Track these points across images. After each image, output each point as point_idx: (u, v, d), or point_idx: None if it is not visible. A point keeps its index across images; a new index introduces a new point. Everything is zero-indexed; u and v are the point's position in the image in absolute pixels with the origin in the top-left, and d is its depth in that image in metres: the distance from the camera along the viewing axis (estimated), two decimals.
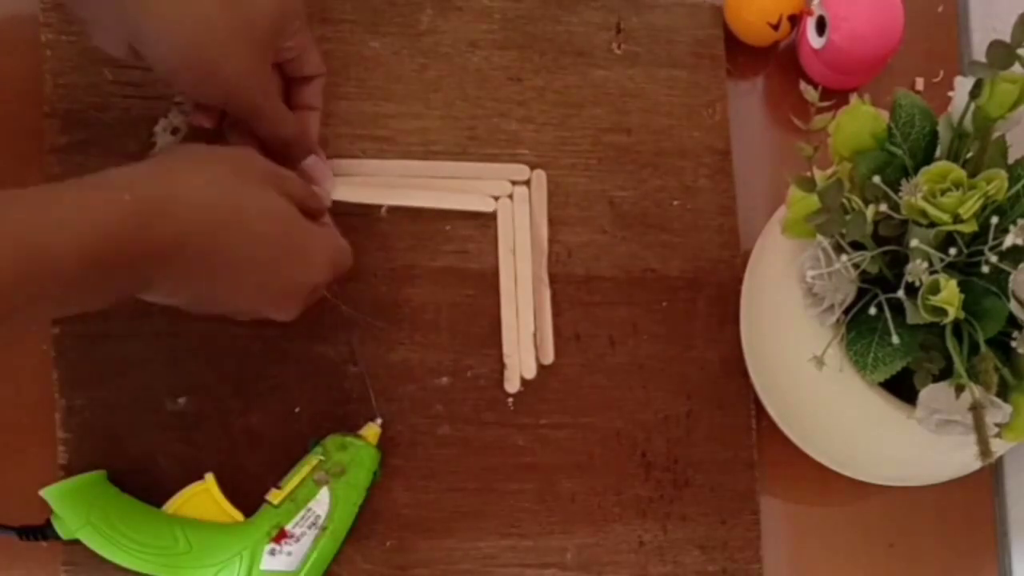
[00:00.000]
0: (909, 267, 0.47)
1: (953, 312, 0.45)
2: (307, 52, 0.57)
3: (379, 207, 0.62)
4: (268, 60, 0.54)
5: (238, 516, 0.56)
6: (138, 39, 0.50)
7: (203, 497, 0.55)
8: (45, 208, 0.42)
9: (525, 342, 0.62)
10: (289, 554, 0.55)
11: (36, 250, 0.41)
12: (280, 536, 0.55)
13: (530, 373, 0.61)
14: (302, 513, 0.56)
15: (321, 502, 0.56)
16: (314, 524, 0.56)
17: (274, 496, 0.56)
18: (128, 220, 0.44)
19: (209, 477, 0.56)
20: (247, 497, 0.57)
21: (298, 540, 0.55)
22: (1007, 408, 0.47)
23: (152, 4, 0.48)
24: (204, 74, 0.51)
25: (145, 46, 0.50)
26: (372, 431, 0.59)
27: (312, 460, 0.57)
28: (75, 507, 0.53)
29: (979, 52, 0.63)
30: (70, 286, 0.43)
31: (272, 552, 0.55)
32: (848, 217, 0.48)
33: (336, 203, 0.60)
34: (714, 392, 0.64)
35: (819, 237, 0.49)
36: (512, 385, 0.61)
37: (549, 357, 0.62)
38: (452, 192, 0.63)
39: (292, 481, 0.56)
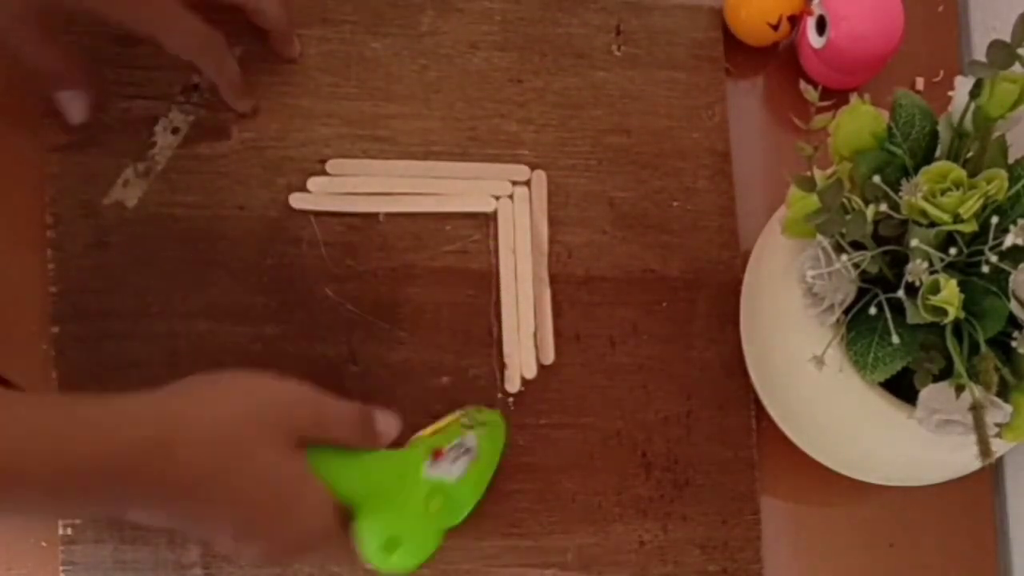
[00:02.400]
0: (909, 267, 0.47)
1: (953, 312, 0.45)
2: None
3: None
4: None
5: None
6: None
7: None
8: (53, 422, 0.42)
9: (525, 342, 0.62)
10: (447, 471, 0.54)
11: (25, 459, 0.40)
12: (437, 455, 0.54)
13: (530, 373, 0.62)
14: (455, 443, 0.55)
15: (470, 440, 0.55)
16: (467, 453, 0.55)
17: (425, 431, 0.56)
18: (122, 457, 0.42)
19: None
20: None
21: (453, 461, 0.54)
22: (1007, 408, 0.47)
23: None
24: None
25: None
26: (498, 412, 0.60)
27: (455, 413, 0.57)
28: None
29: (979, 52, 0.63)
30: (45, 497, 0.42)
31: (431, 464, 0.53)
32: (848, 217, 0.48)
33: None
34: (714, 392, 0.64)
35: (819, 237, 0.49)
36: (512, 385, 0.61)
37: (549, 357, 0.62)
38: (451, 195, 0.63)
39: (440, 423, 0.56)
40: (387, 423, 0.53)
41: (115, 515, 0.47)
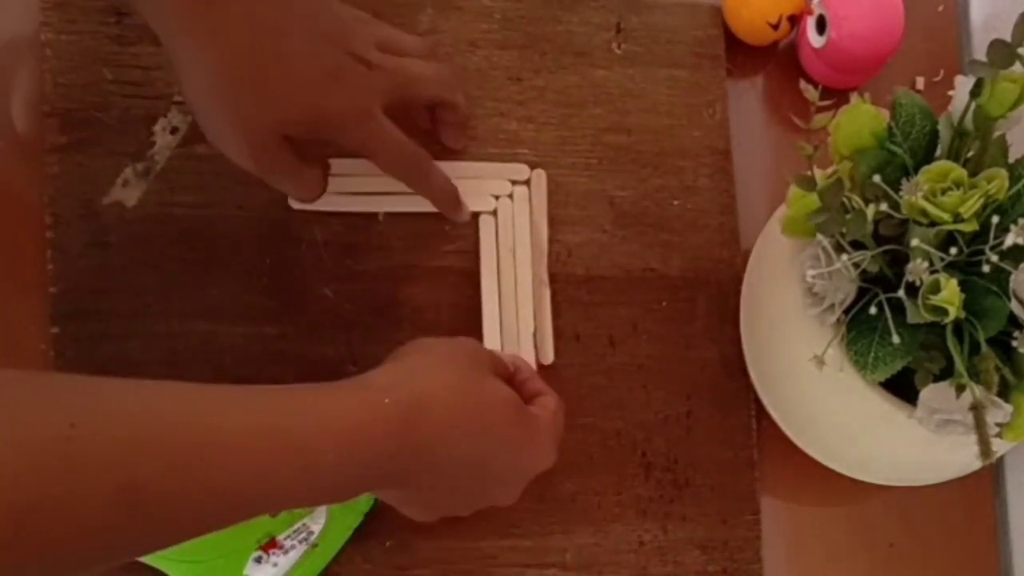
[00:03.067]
0: (909, 267, 0.46)
1: (953, 312, 0.45)
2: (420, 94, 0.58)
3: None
4: (276, 144, 0.53)
5: None
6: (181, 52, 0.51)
7: None
8: (307, 412, 0.44)
9: (525, 342, 0.62)
10: (275, 565, 0.54)
11: (299, 449, 0.43)
12: (270, 545, 0.54)
13: None
14: (296, 526, 0.55)
15: (317, 518, 0.55)
16: (306, 539, 0.55)
17: None
18: (387, 422, 0.46)
19: None
20: None
21: (287, 552, 0.54)
22: (1007, 408, 0.47)
23: (185, 71, 0.50)
24: (220, 119, 0.52)
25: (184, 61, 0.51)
26: None
27: None
28: None
29: (979, 52, 0.63)
30: (323, 482, 0.44)
31: (258, 560, 0.54)
32: (848, 216, 0.48)
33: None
34: (714, 392, 0.64)
35: (819, 236, 0.49)
36: None
37: (549, 357, 0.62)
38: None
39: None
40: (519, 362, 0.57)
41: (376, 490, 0.50)
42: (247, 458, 0.41)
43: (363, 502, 0.57)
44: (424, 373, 0.49)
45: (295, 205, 0.60)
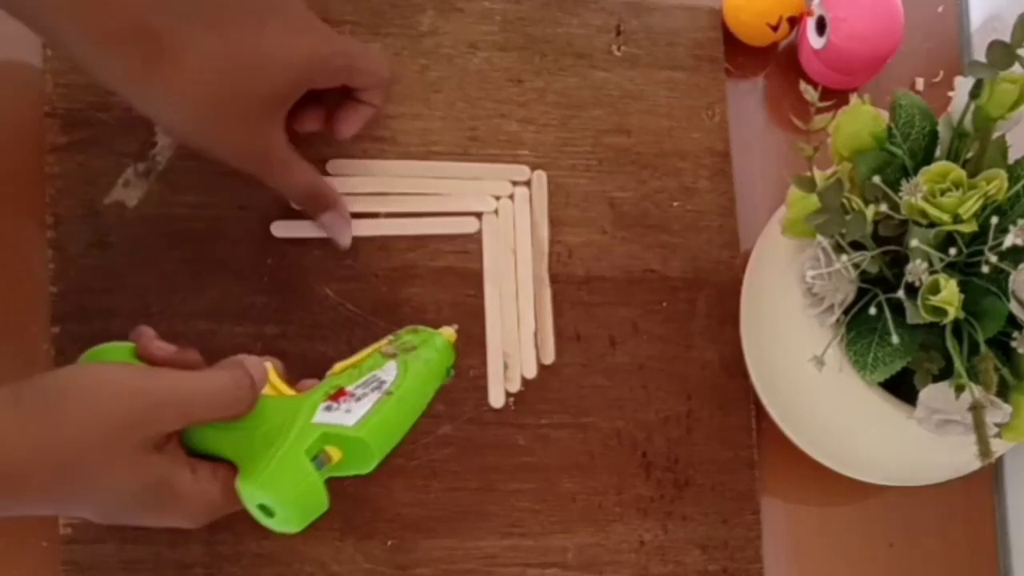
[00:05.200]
0: (909, 267, 0.47)
1: (953, 312, 0.45)
2: (356, 74, 0.57)
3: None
4: (274, 128, 0.54)
5: (291, 393, 0.51)
6: (135, 91, 0.51)
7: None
8: None
9: (526, 342, 0.62)
10: (347, 411, 0.47)
11: None
12: (338, 395, 0.49)
13: (530, 373, 0.62)
14: (366, 378, 0.49)
15: (388, 370, 0.49)
16: (378, 388, 0.49)
17: (336, 367, 0.52)
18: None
19: (269, 364, 0.52)
20: None
21: (358, 400, 0.48)
22: (1007, 408, 0.47)
23: (155, 86, 0.49)
24: (207, 149, 0.54)
25: (143, 100, 0.51)
26: (448, 331, 0.56)
27: (381, 341, 0.54)
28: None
29: (979, 52, 0.63)
30: None
31: (327, 408, 0.48)
32: (848, 217, 0.48)
33: None
34: (714, 392, 0.64)
35: (819, 237, 0.49)
36: (512, 385, 0.61)
37: (550, 357, 0.62)
38: (451, 195, 0.63)
39: (357, 356, 0.52)
40: (257, 370, 0.50)
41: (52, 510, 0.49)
42: None
43: (435, 359, 0.52)
44: (35, 435, 0.43)
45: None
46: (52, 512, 0.49)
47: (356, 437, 0.47)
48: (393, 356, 0.51)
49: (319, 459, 0.47)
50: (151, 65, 0.48)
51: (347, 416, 0.47)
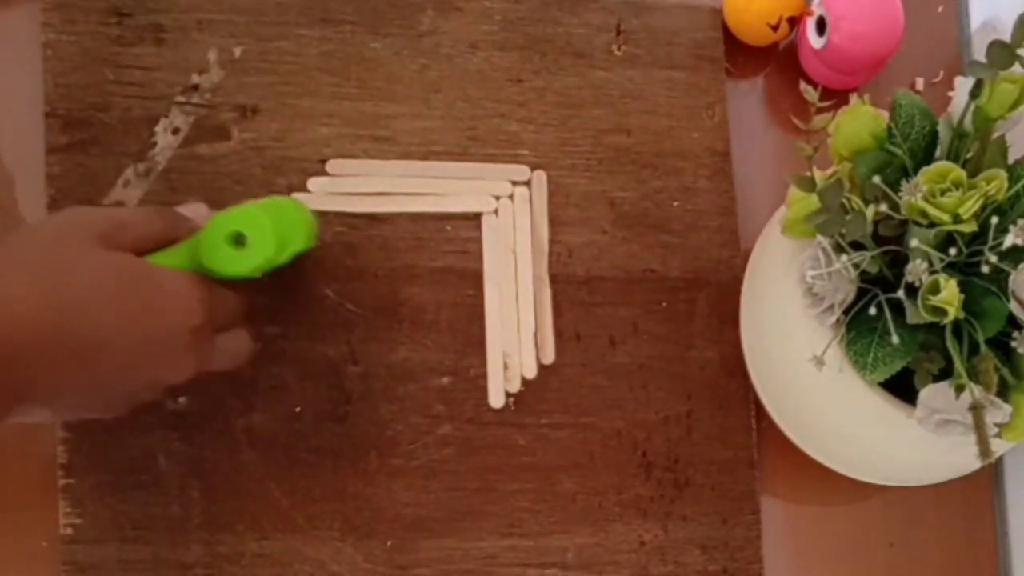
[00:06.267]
0: (909, 267, 0.47)
1: (953, 312, 0.45)
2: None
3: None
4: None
5: None
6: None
7: None
8: None
9: (526, 342, 0.62)
10: None
11: None
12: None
13: (530, 373, 0.62)
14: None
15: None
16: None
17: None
18: None
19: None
20: (249, 496, 0.57)
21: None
22: (1007, 408, 0.47)
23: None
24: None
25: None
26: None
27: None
28: None
29: (979, 52, 0.63)
30: None
31: None
32: (848, 217, 0.48)
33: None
34: (714, 392, 0.64)
35: (819, 237, 0.49)
36: (512, 385, 0.62)
37: (550, 357, 0.62)
38: (451, 195, 0.63)
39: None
40: (194, 208, 0.53)
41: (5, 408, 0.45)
42: None
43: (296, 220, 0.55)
44: None
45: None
46: (58, 380, 0.46)
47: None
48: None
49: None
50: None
51: None
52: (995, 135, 0.49)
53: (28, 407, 0.46)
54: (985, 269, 0.47)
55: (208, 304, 0.49)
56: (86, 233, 0.47)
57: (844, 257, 0.48)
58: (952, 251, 0.47)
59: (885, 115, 0.51)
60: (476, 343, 0.62)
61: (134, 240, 0.48)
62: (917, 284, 0.47)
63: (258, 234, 0.50)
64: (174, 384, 0.50)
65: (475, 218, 0.63)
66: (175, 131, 0.60)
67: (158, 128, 0.60)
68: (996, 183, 0.47)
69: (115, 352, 0.46)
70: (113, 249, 0.47)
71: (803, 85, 0.48)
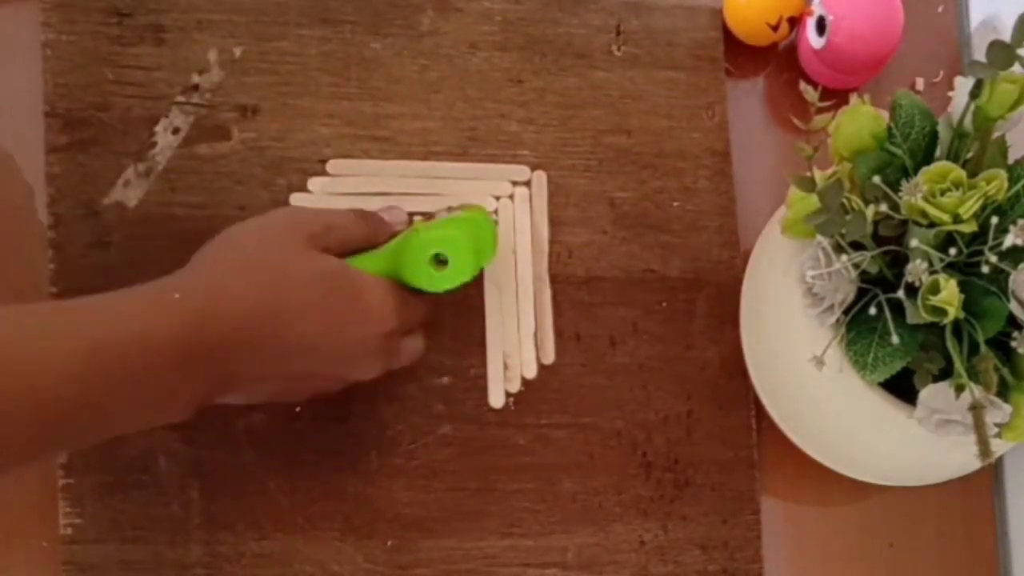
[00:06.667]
0: (909, 267, 0.47)
1: (953, 312, 0.45)
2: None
3: None
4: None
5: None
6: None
7: None
8: (104, 310, 0.44)
9: (526, 342, 0.62)
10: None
11: (101, 344, 0.43)
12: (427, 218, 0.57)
13: (530, 373, 0.62)
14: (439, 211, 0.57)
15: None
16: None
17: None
18: (171, 322, 0.45)
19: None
20: (249, 496, 0.57)
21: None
22: (1007, 408, 0.47)
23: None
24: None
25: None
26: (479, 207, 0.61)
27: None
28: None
29: (979, 52, 0.63)
30: (142, 381, 0.44)
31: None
32: (848, 217, 0.48)
33: None
34: (714, 392, 0.64)
35: (819, 237, 0.49)
36: (512, 385, 0.62)
37: (550, 357, 0.62)
38: (451, 195, 0.63)
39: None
40: (391, 212, 0.57)
41: (210, 393, 0.48)
42: (20, 369, 0.40)
43: (489, 231, 0.58)
44: (221, 266, 0.48)
45: (296, 204, 0.60)
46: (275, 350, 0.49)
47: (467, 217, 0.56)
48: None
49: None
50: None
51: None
52: (995, 135, 0.49)
53: (227, 395, 0.50)
54: (985, 269, 0.47)
55: (400, 312, 0.52)
56: (299, 234, 0.51)
57: (844, 257, 0.48)
58: (952, 251, 0.47)
59: (885, 115, 0.51)
60: (476, 343, 0.62)
61: (339, 242, 0.52)
62: (917, 284, 0.47)
63: (459, 258, 0.54)
64: (360, 381, 0.53)
65: None
66: (175, 131, 0.60)
67: (158, 128, 0.60)
68: (996, 183, 0.47)
69: (316, 355, 0.50)
70: (320, 250, 0.51)
71: (803, 85, 0.48)
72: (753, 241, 0.63)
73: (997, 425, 0.47)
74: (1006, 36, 0.46)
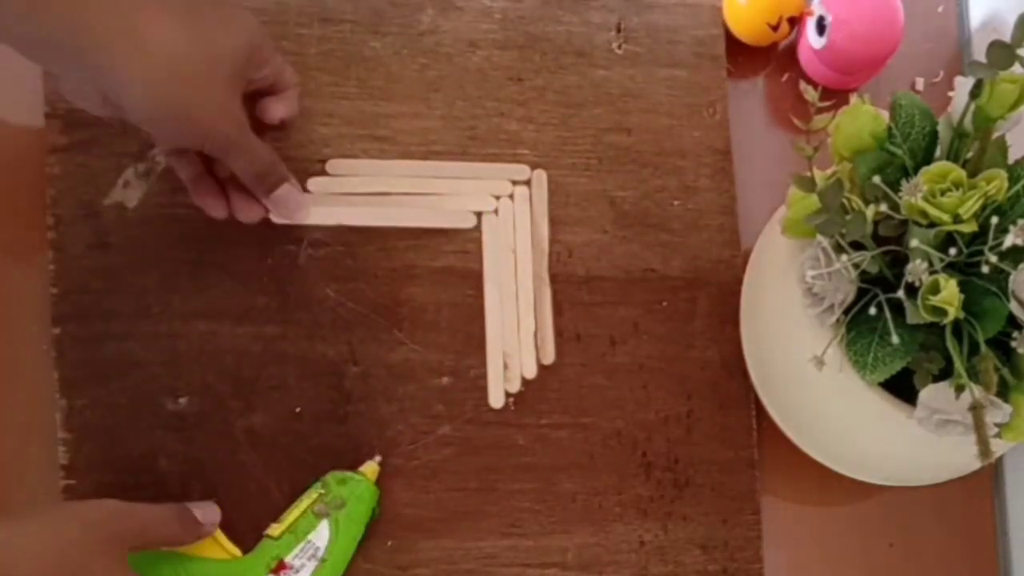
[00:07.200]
0: (909, 267, 0.46)
1: (953, 312, 0.45)
2: (280, 74, 0.56)
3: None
4: (239, 93, 0.52)
5: (236, 553, 0.56)
6: (110, 90, 0.49)
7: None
8: None
9: (526, 342, 0.62)
10: None
11: None
12: (279, 568, 0.55)
13: (530, 373, 0.62)
14: (302, 545, 0.56)
15: (321, 534, 0.56)
16: (313, 556, 0.56)
17: (273, 529, 0.56)
18: None
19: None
20: (249, 496, 0.57)
21: (297, 572, 0.55)
22: (1007, 408, 0.47)
23: (118, 53, 0.47)
24: (180, 117, 0.50)
25: (117, 96, 0.49)
26: (371, 468, 0.59)
27: (312, 494, 0.57)
28: None
29: (979, 52, 0.63)
30: None
31: None
32: (848, 217, 0.48)
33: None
34: (714, 392, 0.64)
35: (819, 237, 0.49)
36: (512, 385, 0.61)
37: (550, 357, 0.62)
38: (452, 195, 0.63)
39: (292, 514, 0.57)
40: (206, 513, 0.55)
41: None
42: None
43: (362, 511, 0.57)
44: (16, 545, 0.46)
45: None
46: None
47: None
48: (326, 515, 0.57)
49: None
50: (114, 46, 0.47)
51: None
52: (995, 135, 0.49)
53: None
54: (985, 269, 0.47)
55: None
56: (114, 547, 0.49)
57: (844, 257, 0.48)
58: (952, 251, 0.47)
59: (885, 115, 0.51)
60: (476, 343, 0.62)
61: (146, 543, 0.52)
62: (917, 284, 0.46)
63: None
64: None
65: (476, 218, 0.63)
66: None
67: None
68: (996, 183, 0.47)
69: None
70: (130, 552, 0.49)
71: (803, 85, 0.48)
72: (753, 241, 0.63)
73: (997, 425, 0.47)
74: (1006, 36, 0.46)
